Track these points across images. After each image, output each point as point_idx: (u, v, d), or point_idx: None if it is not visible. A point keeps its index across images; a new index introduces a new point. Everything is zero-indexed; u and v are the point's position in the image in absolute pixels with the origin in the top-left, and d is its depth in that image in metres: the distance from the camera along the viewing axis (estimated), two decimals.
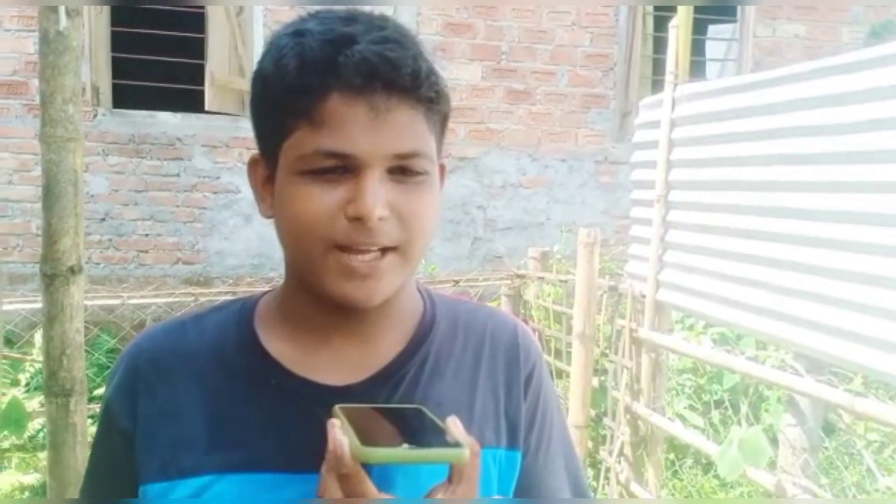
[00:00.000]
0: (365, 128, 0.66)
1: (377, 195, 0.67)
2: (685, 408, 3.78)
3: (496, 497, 0.79)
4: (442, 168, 0.78)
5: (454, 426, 0.66)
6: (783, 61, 5.38)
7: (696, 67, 6.00)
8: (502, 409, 0.82)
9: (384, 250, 0.69)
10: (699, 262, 2.57)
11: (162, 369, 0.77)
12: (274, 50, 0.69)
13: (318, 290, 0.72)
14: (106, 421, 0.80)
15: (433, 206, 0.72)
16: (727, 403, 3.42)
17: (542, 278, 3.86)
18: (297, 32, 0.69)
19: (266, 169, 0.74)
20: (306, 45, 0.67)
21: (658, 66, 5.40)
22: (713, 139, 2.53)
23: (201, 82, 5.08)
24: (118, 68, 5.33)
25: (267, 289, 0.85)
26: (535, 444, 0.84)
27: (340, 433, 0.63)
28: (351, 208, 0.67)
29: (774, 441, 2.42)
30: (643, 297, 2.88)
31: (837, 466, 3.16)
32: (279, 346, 0.77)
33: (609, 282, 3.19)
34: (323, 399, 0.72)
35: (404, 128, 0.68)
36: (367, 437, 0.62)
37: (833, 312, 1.98)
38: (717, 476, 3.41)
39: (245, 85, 5.28)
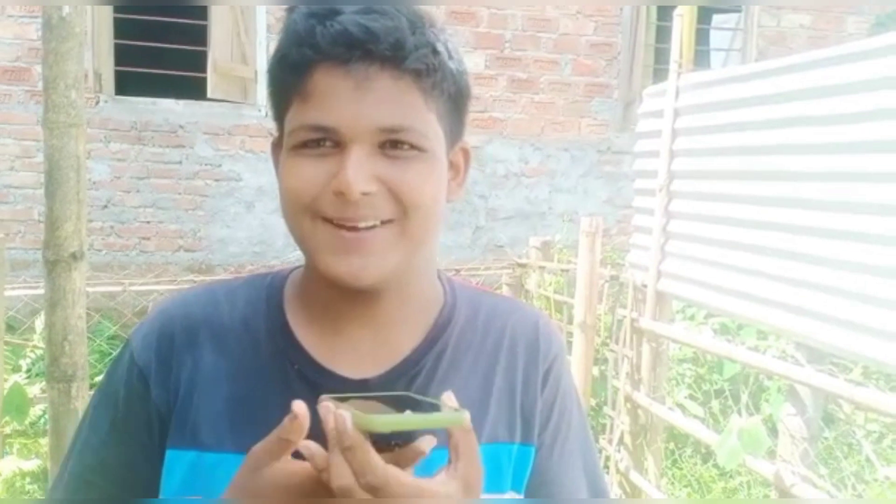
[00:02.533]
0: (347, 100, 0.66)
1: (360, 169, 0.66)
2: (685, 397, 3.79)
3: (507, 496, 0.78)
4: (465, 152, 0.77)
5: (448, 399, 0.64)
6: (787, 51, 5.37)
7: (700, 57, 5.98)
8: (518, 403, 0.80)
9: (375, 224, 0.68)
10: (701, 252, 2.57)
11: (193, 338, 0.77)
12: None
13: (315, 268, 0.72)
14: (131, 388, 0.77)
15: (430, 180, 0.70)
16: (727, 393, 3.42)
17: (543, 268, 3.86)
18: (289, 9, 0.70)
19: (280, 149, 0.74)
20: (294, 20, 0.68)
21: (662, 56, 5.38)
22: (716, 129, 2.52)
23: (204, 69, 5.06)
24: (121, 55, 5.32)
25: (294, 266, 0.83)
26: (550, 440, 0.82)
27: (339, 409, 0.61)
28: (334, 182, 0.67)
29: (774, 431, 2.42)
30: (644, 286, 2.88)
31: (837, 456, 3.17)
32: (304, 331, 0.77)
33: (610, 271, 3.20)
34: (340, 391, 0.70)
35: (389, 101, 0.67)
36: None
37: (834, 302, 1.97)
38: (716, 465, 3.42)
39: (247, 72, 5.28)
